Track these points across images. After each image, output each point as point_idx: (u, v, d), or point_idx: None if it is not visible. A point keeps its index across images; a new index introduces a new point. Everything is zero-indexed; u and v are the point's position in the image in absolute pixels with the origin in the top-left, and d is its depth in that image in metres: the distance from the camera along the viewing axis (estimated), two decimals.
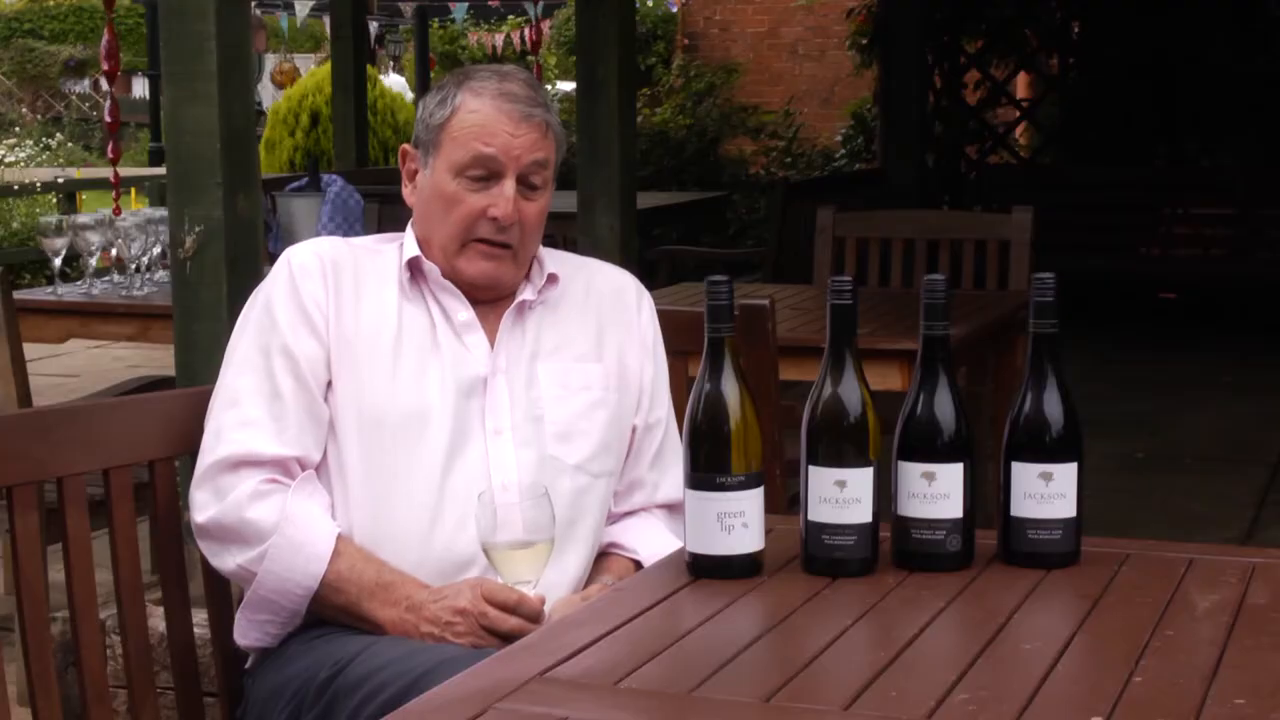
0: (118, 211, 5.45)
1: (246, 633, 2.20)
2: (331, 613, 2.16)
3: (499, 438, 2.22)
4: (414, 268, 2.28)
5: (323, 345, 2.21)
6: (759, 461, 1.91)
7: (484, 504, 2.03)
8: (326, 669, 2.05)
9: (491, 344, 2.27)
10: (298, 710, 2.07)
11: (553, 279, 2.32)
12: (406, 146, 2.34)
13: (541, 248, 2.35)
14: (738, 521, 1.89)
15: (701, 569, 1.92)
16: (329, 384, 2.21)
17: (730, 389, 1.90)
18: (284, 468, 2.18)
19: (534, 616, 2.04)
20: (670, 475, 2.36)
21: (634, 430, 2.35)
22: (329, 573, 2.13)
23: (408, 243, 2.30)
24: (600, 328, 2.34)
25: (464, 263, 2.26)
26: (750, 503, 1.90)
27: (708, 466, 1.89)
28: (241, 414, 2.18)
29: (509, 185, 2.23)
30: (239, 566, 2.16)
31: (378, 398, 2.20)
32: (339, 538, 2.16)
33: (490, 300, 2.29)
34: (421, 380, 2.22)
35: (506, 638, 2.01)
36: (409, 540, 2.17)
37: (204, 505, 2.17)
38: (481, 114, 2.24)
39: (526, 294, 2.30)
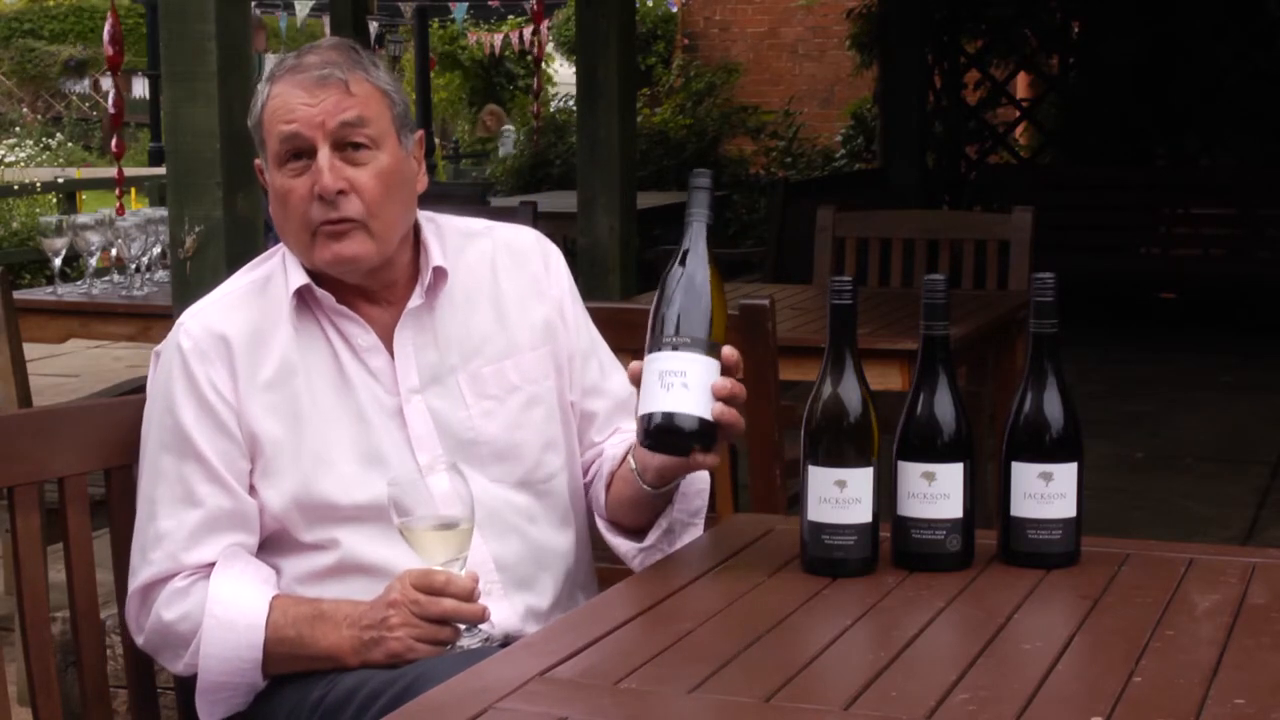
0: (120, 211, 5.44)
1: (212, 712, 2.06)
2: (285, 665, 2.03)
3: (435, 472, 2.03)
4: (303, 295, 2.10)
5: (235, 440, 2.06)
6: (716, 337, 1.91)
7: (396, 486, 1.95)
8: (318, 688, 2.00)
9: (393, 365, 2.11)
10: None
11: (441, 274, 2.14)
12: (258, 161, 2.16)
13: (426, 230, 2.16)
14: (677, 380, 1.88)
15: (647, 435, 1.91)
16: (251, 470, 2.07)
17: (699, 268, 1.92)
18: (208, 569, 2.05)
19: (465, 595, 1.93)
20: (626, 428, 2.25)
21: (572, 406, 2.22)
22: (268, 632, 2.01)
23: (291, 271, 2.11)
24: (513, 308, 2.19)
25: (317, 253, 2.07)
26: (692, 365, 1.88)
27: (656, 331, 1.91)
28: (159, 528, 2.05)
29: (323, 155, 2.04)
30: (186, 666, 2.05)
31: (306, 473, 2.06)
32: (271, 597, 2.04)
33: (382, 305, 2.13)
34: (339, 420, 2.08)
35: (445, 624, 1.94)
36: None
37: (139, 626, 2.08)
38: (279, 95, 2.08)
39: (414, 300, 2.12)
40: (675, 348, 1.89)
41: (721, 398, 1.91)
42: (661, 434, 1.91)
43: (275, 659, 2.02)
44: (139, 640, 2.10)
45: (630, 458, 2.08)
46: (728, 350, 1.93)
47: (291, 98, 2.06)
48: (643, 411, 1.91)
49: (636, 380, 1.95)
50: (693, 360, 1.89)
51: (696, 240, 1.93)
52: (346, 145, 2.06)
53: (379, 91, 2.09)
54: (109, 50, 5.83)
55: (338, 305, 2.11)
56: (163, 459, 2.07)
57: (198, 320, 2.10)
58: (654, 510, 2.13)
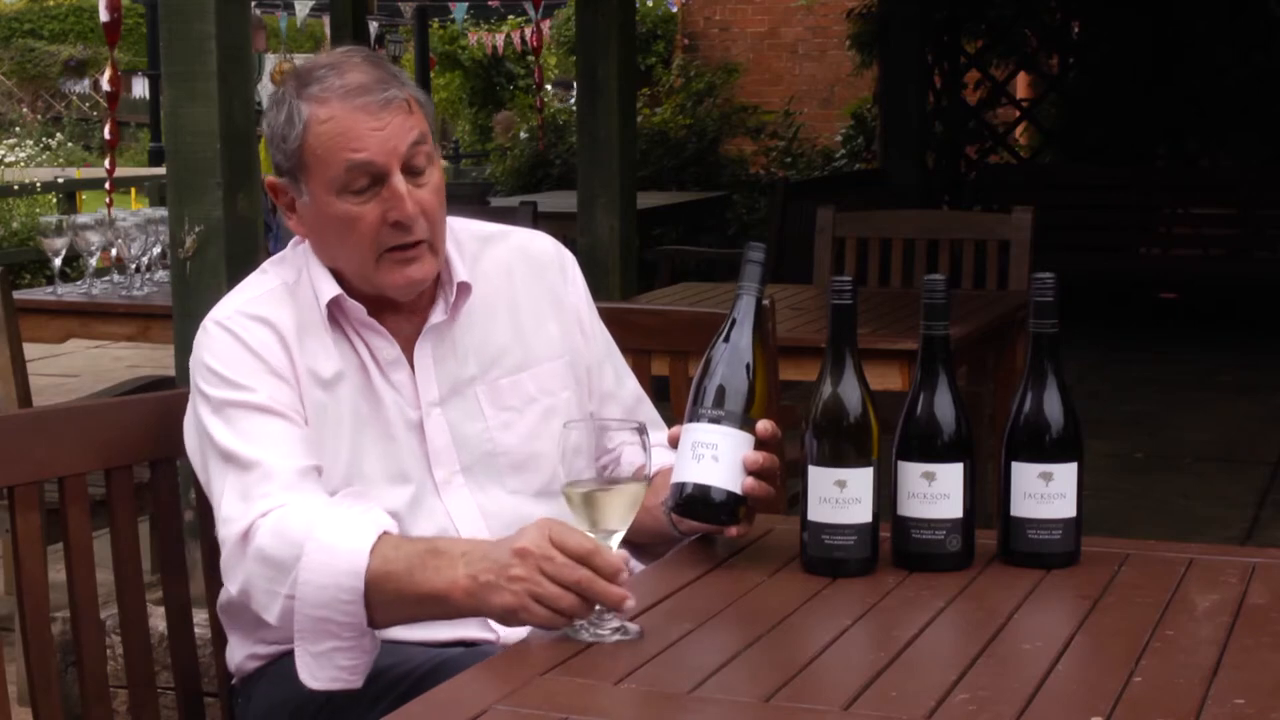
0: (110, 202, 5.38)
1: (315, 673, 1.88)
2: (392, 608, 1.85)
3: (450, 487, 2.06)
4: (334, 307, 2.08)
5: (300, 410, 2.03)
6: (754, 413, 1.92)
7: (567, 437, 1.80)
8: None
9: (414, 378, 2.10)
10: None
11: (464, 290, 2.12)
12: (272, 179, 2.11)
13: (447, 245, 2.12)
14: (708, 453, 1.90)
15: (678, 503, 1.93)
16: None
17: (744, 343, 1.94)
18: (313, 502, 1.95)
19: (610, 573, 1.69)
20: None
21: (591, 416, 2.20)
22: (373, 562, 1.82)
23: (318, 280, 2.09)
24: (530, 319, 2.17)
25: (384, 278, 2.04)
26: (725, 439, 1.90)
27: (695, 402, 1.93)
28: (264, 470, 1.95)
29: (398, 182, 2.00)
30: (284, 604, 1.87)
31: (337, 486, 2.01)
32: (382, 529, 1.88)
33: (404, 315, 2.11)
34: (370, 434, 2.06)
35: (571, 591, 1.69)
36: None
37: (236, 571, 1.93)
38: (336, 120, 2.00)
39: (436, 316, 2.11)
40: (711, 420, 1.92)
41: (752, 471, 1.92)
42: (691, 503, 1.93)
43: (381, 596, 1.83)
44: (234, 588, 1.94)
45: (667, 505, 2.02)
46: (762, 424, 1.94)
47: (355, 123, 1.99)
48: (675, 479, 1.94)
49: (675, 443, 1.97)
50: (726, 434, 1.91)
51: (745, 314, 1.96)
52: (412, 167, 2.03)
53: (422, 105, 2.07)
54: (106, 17, 5.31)
55: (367, 318, 2.08)
56: (243, 422, 1.98)
57: (243, 311, 2.07)
58: (672, 540, 2.11)
